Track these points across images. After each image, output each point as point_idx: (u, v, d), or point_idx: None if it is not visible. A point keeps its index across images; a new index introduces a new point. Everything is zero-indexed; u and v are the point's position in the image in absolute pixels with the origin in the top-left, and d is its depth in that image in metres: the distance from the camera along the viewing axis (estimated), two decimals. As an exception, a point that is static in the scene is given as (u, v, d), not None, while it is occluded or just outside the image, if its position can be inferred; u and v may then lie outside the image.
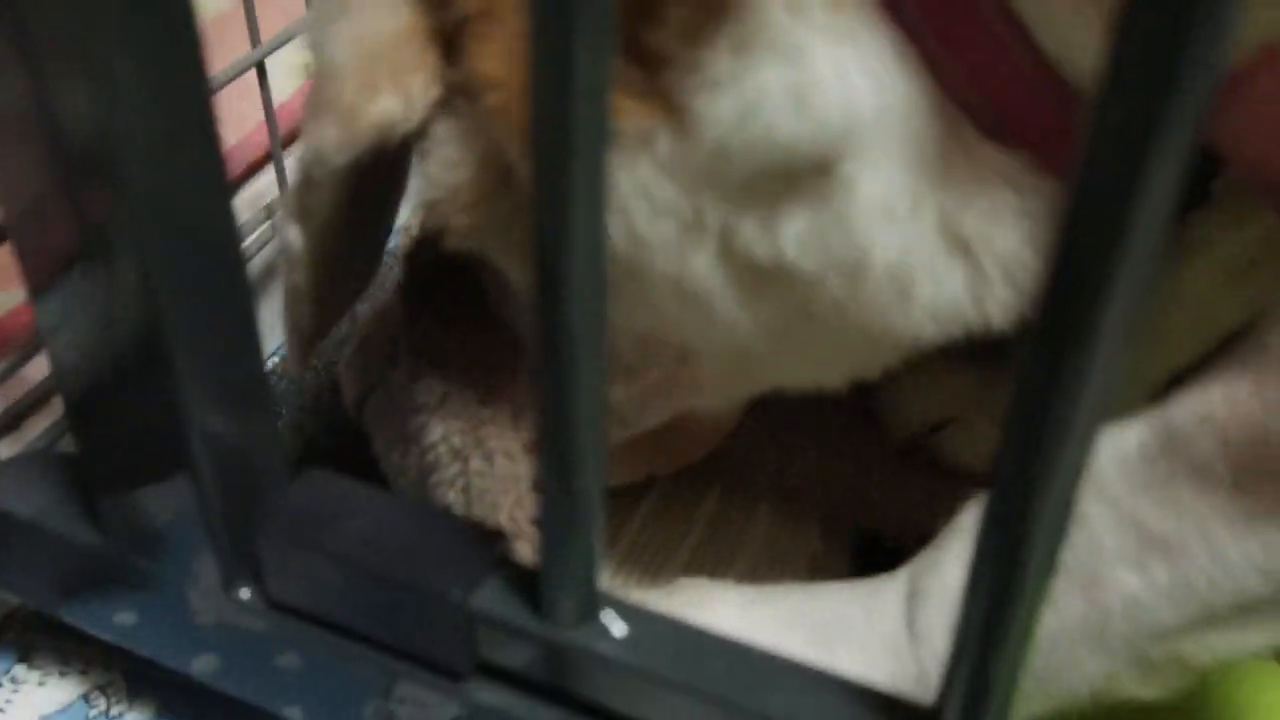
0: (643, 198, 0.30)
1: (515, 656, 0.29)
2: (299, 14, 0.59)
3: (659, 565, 0.45)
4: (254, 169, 0.61)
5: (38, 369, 0.45)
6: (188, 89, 0.25)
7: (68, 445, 0.43)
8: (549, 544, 0.26)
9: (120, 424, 0.33)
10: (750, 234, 0.29)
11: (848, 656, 0.33)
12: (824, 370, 0.36)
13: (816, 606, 0.34)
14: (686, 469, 0.48)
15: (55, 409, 0.45)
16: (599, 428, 0.25)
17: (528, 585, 0.28)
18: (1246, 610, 0.29)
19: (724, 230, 0.30)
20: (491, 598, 0.28)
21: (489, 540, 0.30)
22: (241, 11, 0.53)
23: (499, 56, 0.31)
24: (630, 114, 0.28)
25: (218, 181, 0.27)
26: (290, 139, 0.64)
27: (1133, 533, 0.29)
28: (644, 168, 0.29)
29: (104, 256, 0.30)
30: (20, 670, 0.42)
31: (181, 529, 0.34)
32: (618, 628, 0.28)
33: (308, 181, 0.33)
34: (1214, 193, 0.32)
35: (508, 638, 0.28)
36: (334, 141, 0.31)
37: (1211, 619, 0.29)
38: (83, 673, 0.42)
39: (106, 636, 0.38)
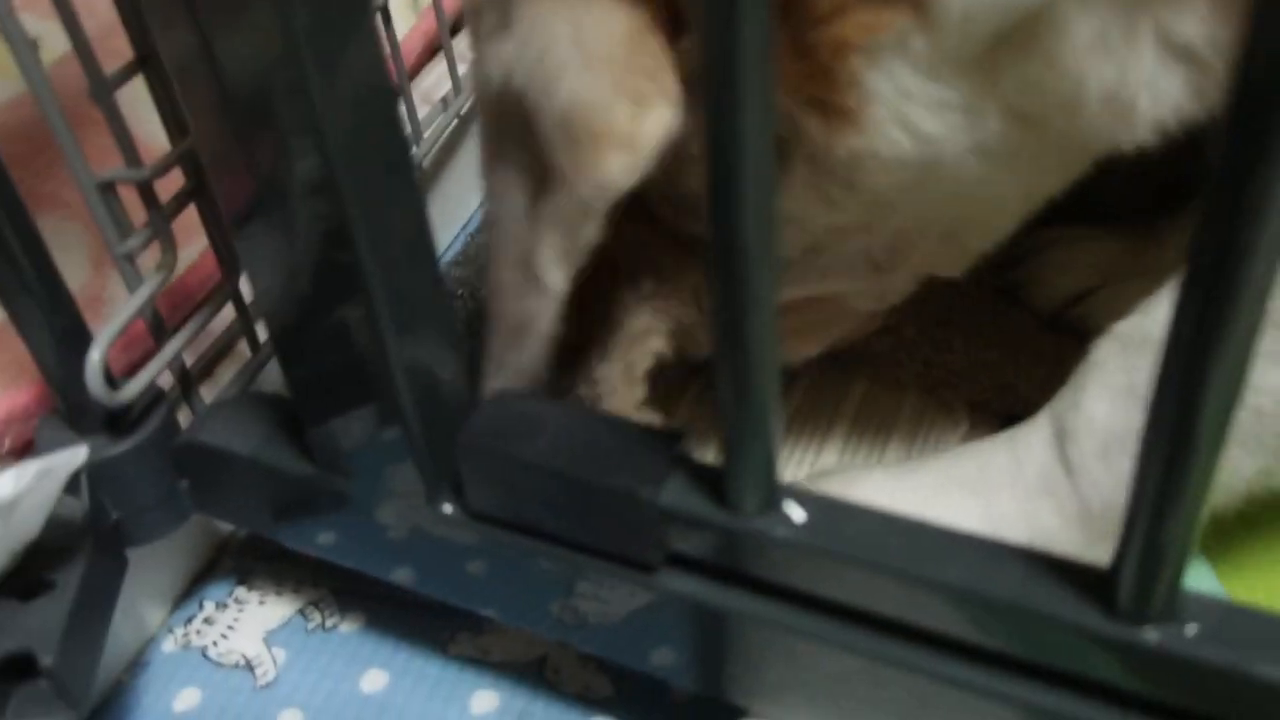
0: (918, 103, 0.30)
1: (702, 547, 0.31)
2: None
3: (818, 446, 0.47)
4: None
5: (219, 320, 0.49)
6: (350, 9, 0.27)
7: (257, 388, 0.46)
8: (732, 442, 0.29)
9: (321, 358, 0.36)
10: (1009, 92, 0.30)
11: (1009, 501, 0.35)
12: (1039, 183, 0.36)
13: (963, 463, 0.36)
14: (834, 360, 0.49)
15: (241, 354, 0.49)
16: (772, 332, 0.27)
17: (711, 481, 0.30)
18: None
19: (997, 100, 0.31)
20: (678, 494, 0.31)
21: (669, 440, 0.32)
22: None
23: None
24: (884, 20, 0.29)
25: (386, 95, 0.29)
26: (409, 76, 0.66)
27: (1269, 324, 0.30)
28: (906, 74, 0.30)
29: (282, 200, 0.33)
30: (241, 592, 0.47)
31: (370, 452, 0.37)
32: (797, 514, 0.30)
33: (586, 216, 0.31)
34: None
35: (695, 530, 0.31)
36: (622, 167, 0.29)
37: None
38: (295, 591, 0.46)
39: (314, 553, 0.42)
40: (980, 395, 0.48)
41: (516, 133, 0.32)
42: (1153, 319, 0.34)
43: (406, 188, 0.31)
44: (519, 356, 0.37)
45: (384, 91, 0.29)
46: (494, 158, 0.35)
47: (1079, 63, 0.29)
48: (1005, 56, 0.30)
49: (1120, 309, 0.49)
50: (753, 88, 0.22)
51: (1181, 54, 0.29)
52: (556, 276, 0.33)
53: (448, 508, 0.35)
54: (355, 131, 0.29)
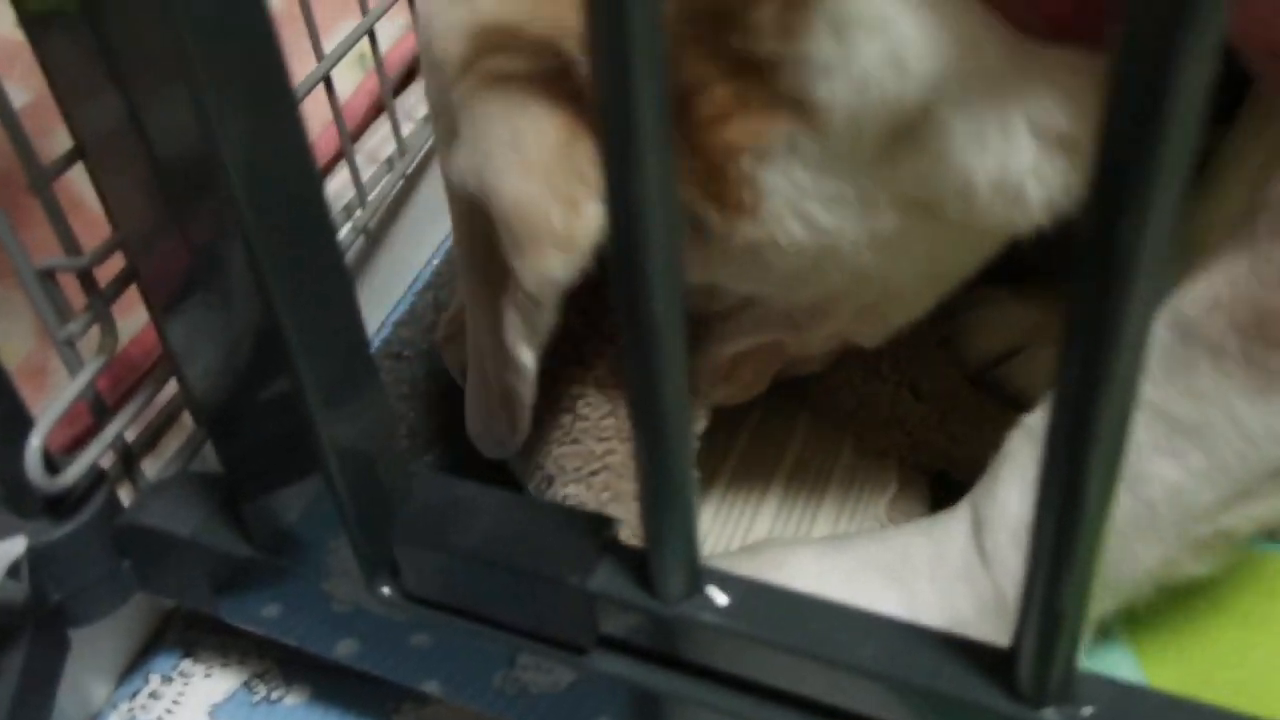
0: (812, 198, 0.32)
1: (631, 630, 0.32)
2: (348, 8, 0.61)
3: (753, 509, 0.49)
4: (324, 173, 0.64)
5: (164, 390, 0.49)
6: (274, 98, 0.27)
7: (201, 462, 0.47)
8: (653, 531, 0.30)
9: (254, 433, 0.37)
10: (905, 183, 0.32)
11: (928, 587, 0.36)
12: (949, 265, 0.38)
13: (887, 548, 0.37)
14: (779, 402, 0.50)
15: (185, 426, 0.49)
16: (686, 422, 0.28)
17: (638, 566, 0.31)
18: (1277, 476, 0.32)
19: (890, 192, 0.32)
20: (607, 580, 0.32)
21: (599, 526, 0.33)
22: (291, 8, 0.55)
23: None
24: (768, 127, 0.30)
25: (311, 183, 0.29)
26: (354, 136, 0.67)
27: (1164, 424, 0.32)
28: (799, 171, 0.31)
29: (216, 277, 0.34)
30: (186, 665, 0.47)
31: (313, 526, 0.38)
32: (720, 598, 0.31)
33: (537, 305, 0.33)
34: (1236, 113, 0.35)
35: (624, 614, 0.32)
36: (560, 264, 0.31)
37: (1247, 492, 0.32)
38: (241, 663, 0.47)
39: (258, 630, 0.43)
40: (910, 448, 0.49)
41: (482, 225, 0.34)
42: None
43: (333, 269, 0.32)
44: (504, 422, 0.39)
45: (308, 173, 0.30)
46: (463, 240, 0.38)
47: (964, 157, 0.31)
48: (897, 154, 0.31)
49: (1035, 373, 0.50)
50: (653, 176, 0.23)
51: (1057, 141, 0.31)
52: (525, 354, 0.35)
53: (385, 590, 0.36)
54: (278, 211, 0.29)
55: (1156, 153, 0.19)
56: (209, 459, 0.47)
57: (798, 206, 0.32)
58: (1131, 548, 0.33)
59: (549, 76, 0.31)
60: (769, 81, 0.30)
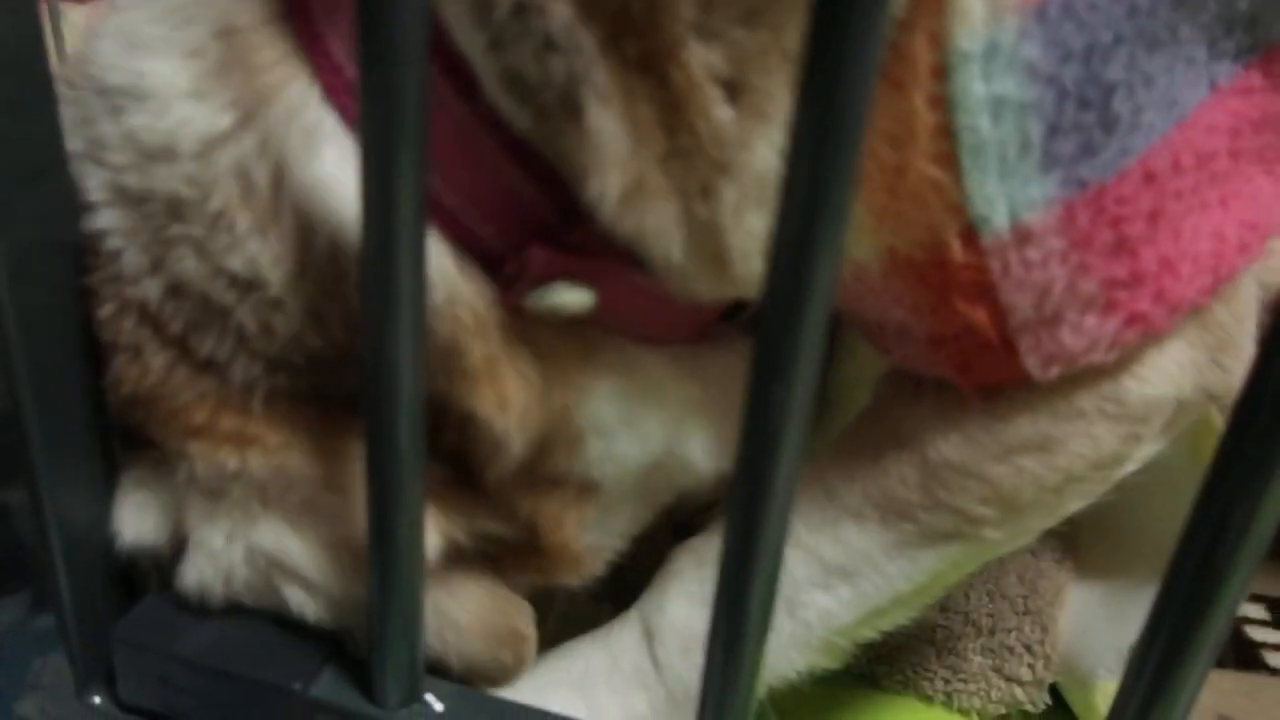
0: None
1: (351, 737, 0.34)
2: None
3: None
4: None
5: None
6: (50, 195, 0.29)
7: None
8: (376, 638, 0.32)
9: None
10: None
11: (607, 693, 0.40)
12: None
13: (571, 663, 0.42)
14: None
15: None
16: (419, 538, 0.30)
17: (360, 674, 0.33)
18: (900, 602, 0.40)
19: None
20: (328, 687, 0.33)
21: (324, 635, 0.34)
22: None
23: None
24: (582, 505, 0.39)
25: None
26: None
27: (818, 564, 0.39)
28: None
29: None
30: None
31: (17, 641, 0.38)
32: (437, 705, 0.33)
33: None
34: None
35: (344, 721, 0.34)
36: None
37: (880, 612, 0.40)
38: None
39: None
40: (622, 585, 0.53)
41: None
42: (720, 538, 0.41)
43: (84, 369, 0.33)
44: None
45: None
46: None
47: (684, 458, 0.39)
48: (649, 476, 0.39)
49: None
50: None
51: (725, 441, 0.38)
52: None
53: (97, 699, 0.36)
54: (34, 289, 0.31)
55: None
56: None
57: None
58: (789, 654, 0.40)
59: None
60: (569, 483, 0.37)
